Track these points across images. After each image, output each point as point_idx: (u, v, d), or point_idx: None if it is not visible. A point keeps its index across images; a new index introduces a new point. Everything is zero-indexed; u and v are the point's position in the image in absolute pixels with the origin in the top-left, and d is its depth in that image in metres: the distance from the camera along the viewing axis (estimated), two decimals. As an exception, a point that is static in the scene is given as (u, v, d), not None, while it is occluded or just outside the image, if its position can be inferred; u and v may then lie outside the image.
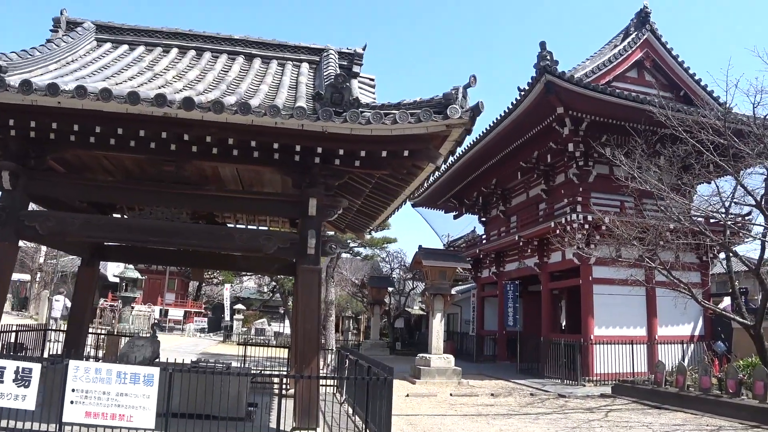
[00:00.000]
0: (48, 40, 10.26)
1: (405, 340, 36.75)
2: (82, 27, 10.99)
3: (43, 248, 41.95)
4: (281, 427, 7.85)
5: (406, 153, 7.90)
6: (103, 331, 17.11)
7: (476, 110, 7.42)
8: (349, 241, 25.08)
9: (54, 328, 14.10)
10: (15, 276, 51.84)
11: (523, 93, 18.84)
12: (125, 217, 9.47)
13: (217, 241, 9.05)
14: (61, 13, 11.02)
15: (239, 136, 7.69)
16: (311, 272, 8.82)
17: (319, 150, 7.96)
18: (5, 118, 7.80)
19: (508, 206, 28.01)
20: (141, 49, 11.00)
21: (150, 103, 7.11)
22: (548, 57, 17.52)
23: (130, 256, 13.16)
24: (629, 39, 22.38)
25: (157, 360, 10.19)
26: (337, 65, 10.30)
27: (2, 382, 7.06)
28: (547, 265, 22.72)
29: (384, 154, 7.94)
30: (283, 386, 9.36)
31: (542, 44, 17.89)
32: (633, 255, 15.72)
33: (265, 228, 13.41)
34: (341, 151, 7.95)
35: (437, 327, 19.16)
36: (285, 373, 12.76)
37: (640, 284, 16.66)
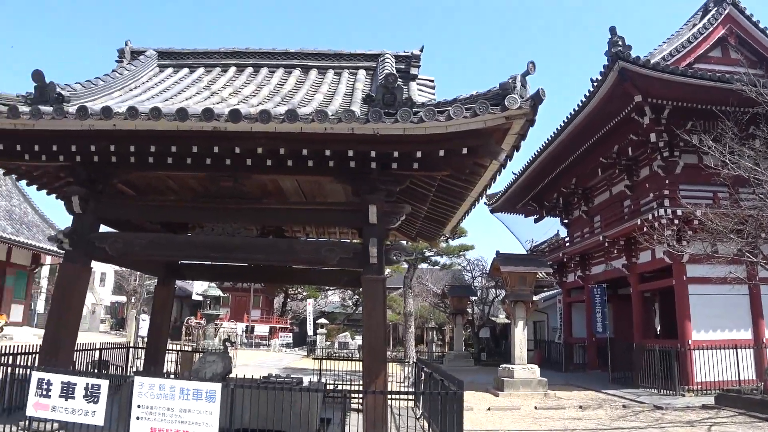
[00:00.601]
0: (113, 70, 10.64)
1: (491, 350, 35.85)
2: (144, 55, 11.35)
3: (137, 272, 44.30)
4: None
5: (465, 151, 7.46)
6: (187, 348, 17.54)
7: (537, 98, 6.90)
8: (424, 250, 24.69)
9: (138, 345, 14.53)
10: (114, 298, 55.27)
11: (595, 83, 17.85)
12: (189, 234, 9.53)
13: (278, 255, 8.93)
14: (126, 44, 11.45)
15: (290, 145, 7.53)
16: (375, 282, 8.52)
17: (374, 154, 7.68)
18: (68, 144, 8.06)
19: (591, 206, 26.74)
20: (200, 70, 11.21)
21: (198, 118, 7.09)
22: (620, 42, 16.49)
23: (203, 274, 13.42)
24: (709, 16, 20.83)
25: (229, 375, 10.19)
26: (393, 68, 10.02)
27: (73, 398, 7.18)
28: (635, 265, 21.40)
29: (442, 153, 7.53)
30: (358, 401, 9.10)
31: (612, 29, 16.89)
32: (731, 250, 14.43)
33: (328, 239, 13.29)
34: (397, 154, 7.63)
35: (520, 336, 18.38)
36: (356, 388, 12.55)
37: (741, 282, 15.28)
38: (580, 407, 15.21)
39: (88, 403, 7.15)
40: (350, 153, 7.61)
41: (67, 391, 7.21)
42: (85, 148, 8.14)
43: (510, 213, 33.28)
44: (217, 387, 7.06)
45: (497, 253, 19.83)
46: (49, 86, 7.99)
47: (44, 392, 7.27)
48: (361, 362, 15.60)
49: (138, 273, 44.26)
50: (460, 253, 31.16)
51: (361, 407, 10.36)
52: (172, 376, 12.48)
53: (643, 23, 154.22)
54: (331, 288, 45.19)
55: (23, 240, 30.43)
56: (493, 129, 7.32)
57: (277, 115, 7.06)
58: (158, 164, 8.45)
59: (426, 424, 10.39)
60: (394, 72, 9.03)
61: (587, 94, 18.44)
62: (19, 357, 9.13)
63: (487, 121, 7.10)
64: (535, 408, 15.11)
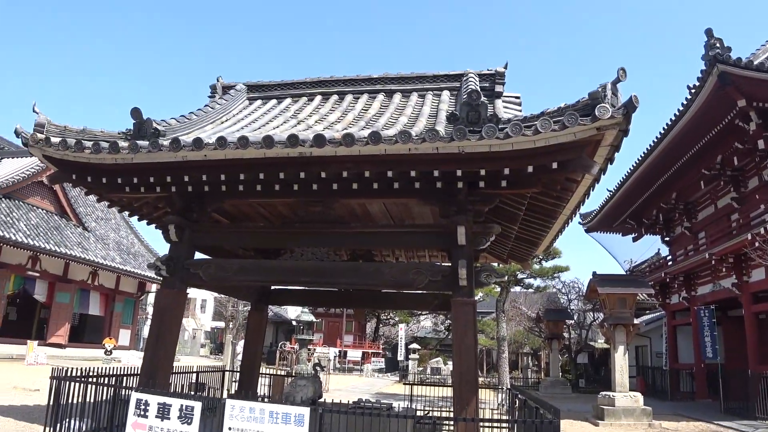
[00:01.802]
0: (206, 105, 11.15)
1: (590, 376, 34.18)
2: (234, 89, 11.84)
3: (234, 298, 46.01)
4: None
5: (555, 166, 7.13)
6: (281, 372, 17.82)
7: (630, 106, 6.50)
8: (517, 272, 24.00)
9: (234, 369, 14.90)
10: (214, 323, 57.55)
11: (693, 90, 16.75)
12: (278, 259, 9.71)
13: (365, 278, 8.88)
14: (217, 80, 12.00)
15: (375, 167, 7.50)
16: (465, 305, 8.28)
17: (460, 173, 7.49)
18: (164, 176, 8.45)
19: (694, 221, 25.07)
20: (287, 101, 11.54)
21: (284, 144, 7.22)
22: (717, 45, 15.39)
23: (294, 299, 13.57)
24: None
25: (319, 400, 10.19)
26: (477, 86, 9.85)
27: (169, 418, 7.39)
28: (747, 284, 19.72)
29: (530, 169, 7.24)
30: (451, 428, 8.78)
31: (708, 32, 15.83)
32: None
33: (416, 261, 13.14)
34: (483, 172, 7.41)
35: (620, 361, 17.33)
36: (446, 415, 12.22)
37: None
38: (690, 440, 14.08)
39: (182, 423, 7.33)
40: (436, 173, 7.47)
41: (163, 412, 7.43)
42: (180, 178, 8.50)
43: (606, 232, 31.77)
44: (305, 411, 7.04)
45: (594, 274, 18.90)
46: (146, 122, 8.47)
47: (142, 412, 7.54)
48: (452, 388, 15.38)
49: (235, 299, 46.07)
50: (554, 275, 30.00)
51: None
52: (265, 399, 12.69)
53: (734, 25, 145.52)
54: (423, 313, 44.86)
55: (130, 269, 32.39)
56: (584, 141, 6.97)
57: (360, 138, 7.07)
58: (248, 192, 8.69)
59: None
60: (478, 89, 8.85)
61: (684, 103, 17.36)
62: (123, 378, 9.54)
63: (577, 134, 6.76)
64: (640, 439, 14.13)
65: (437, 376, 33.52)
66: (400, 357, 39.49)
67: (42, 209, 29.22)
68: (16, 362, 22.62)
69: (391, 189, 8.10)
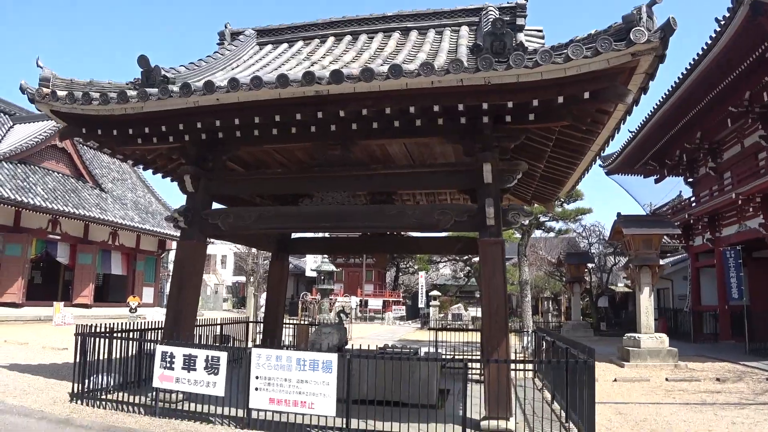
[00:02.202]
0: (215, 52, 10.73)
1: (610, 319, 34.15)
2: (243, 35, 11.39)
3: (253, 250, 46.24)
4: (469, 415, 7.17)
5: (586, 95, 6.72)
6: (304, 322, 17.87)
7: (668, 29, 6.04)
8: (539, 215, 23.55)
9: (257, 320, 14.92)
10: (235, 278, 58.24)
11: (722, 23, 15.95)
12: (298, 205, 9.44)
13: (389, 221, 8.59)
14: (225, 27, 11.54)
15: (396, 104, 7.13)
16: (493, 245, 8.00)
17: (486, 107, 7.09)
18: (176, 124, 8.17)
19: (719, 161, 24.38)
20: (299, 44, 11.06)
21: (299, 83, 6.88)
22: (748, -28, 14.53)
23: (314, 248, 13.49)
24: None
25: (345, 347, 10.12)
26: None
27: (195, 369, 7.32)
28: (776, 224, 19.24)
29: (561, 100, 6.82)
30: (479, 371, 8.68)
31: (740, -41, 14.95)
32: None
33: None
34: (511, 104, 6.99)
35: (645, 303, 17.10)
36: (476, 357, 12.13)
37: None
38: (717, 379, 13.87)
39: (209, 374, 7.26)
40: (460, 107, 7.08)
41: (189, 363, 7.36)
42: (192, 126, 8.21)
43: (627, 174, 31.07)
44: (333, 357, 6.91)
45: (618, 215, 18.48)
46: (154, 70, 8.12)
47: (168, 365, 7.47)
48: (476, 333, 15.32)
49: (255, 253, 46.27)
50: (577, 218, 29.44)
51: (479, 378, 9.98)
52: (289, 348, 12.70)
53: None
54: (442, 260, 44.93)
55: (149, 228, 32.56)
56: (618, 69, 6.53)
57: (380, 72, 6.70)
58: (264, 137, 8.40)
59: (549, 396, 9.81)
60: (501, 18, 8.35)
61: (712, 36, 16.53)
62: (147, 333, 9.49)
63: (611, 60, 6.34)
64: (666, 380, 13.96)
65: (458, 322, 33.64)
66: (421, 304, 39.73)
67: (58, 173, 29.22)
68: (45, 323, 22.97)
69: (413, 127, 7.76)
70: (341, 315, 10.61)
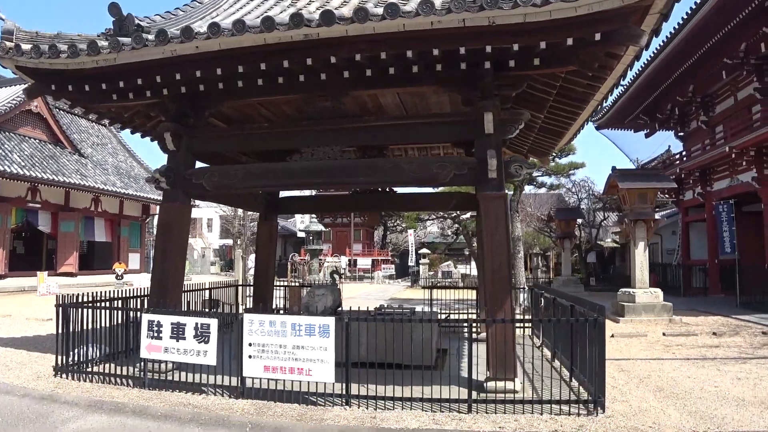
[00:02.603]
0: (193, 0, 9.99)
1: (598, 275, 34.23)
2: (224, -21, 10.58)
3: (240, 213, 45.66)
4: (474, 377, 6.87)
5: (597, 37, 6.22)
6: (294, 284, 17.52)
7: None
8: (532, 171, 23.06)
9: (247, 283, 14.52)
10: (221, 241, 57.70)
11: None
12: (287, 161, 8.89)
13: (384, 176, 8.09)
14: (204, -30, 10.72)
15: (392, 48, 6.57)
16: (495, 199, 7.58)
17: (489, 50, 6.55)
18: (153, 77, 7.60)
19: (711, 115, 24.03)
20: (284, -11, 10.33)
21: (287, 26, 6.31)
22: None
23: (304, 207, 13.03)
24: None
25: (339, 308, 9.77)
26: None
27: (184, 338, 6.92)
28: (768, 178, 19.02)
29: (570, 42, 6.31)
30: (474, 330, 8.41)
31: None
32: None
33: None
34: (516, 47, 6.44)
35: (640, 258, 16.91)
36: (473, 316, 11.89)
37: None
38: (714, 334, 13.76)
39: (199, 343, 6.87)
40: (461, 51, 6.53)
41: (178, 332, 6.96)
42: (171, 78, 7.61)
43: (617, 129, 30.71)
44: (330, 321, 6.54)
45: (613, 169, 18.11)
46: (127, 18, 7.46)
47: (155, 334, 7.07)
48: (468, 290, 15.09)
49: (242, 215, 45.65)
50: (570, 173, 28.97)
51: (477, 337, 9.71)
52: (281, 312, 12.35)
53: None
54: (430, 218, 44.59)
55: (132, 193, 31.81)
56: (632, 8, 6.04)
57: (375, 13, 6.13)
58: (249, 89, 7.84)
59: (549, 354, 9.57)
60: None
61: (709, -16, 15.98)
62: (132, 301, 9.04)
63: (626, -1, 5.83)
64: (664, 335, 13.83)
65: (449, 280, 33.62)
66: (411, 263, 39.58)
67: (35, 139, 28.28)
68: (29, 294, 22.46)
69: (409, 75, 7.24)
70: (335, 275, 10.21)
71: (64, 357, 7.92)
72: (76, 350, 8.05)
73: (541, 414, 6.50)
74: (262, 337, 6.63)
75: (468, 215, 41.38)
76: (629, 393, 7.69)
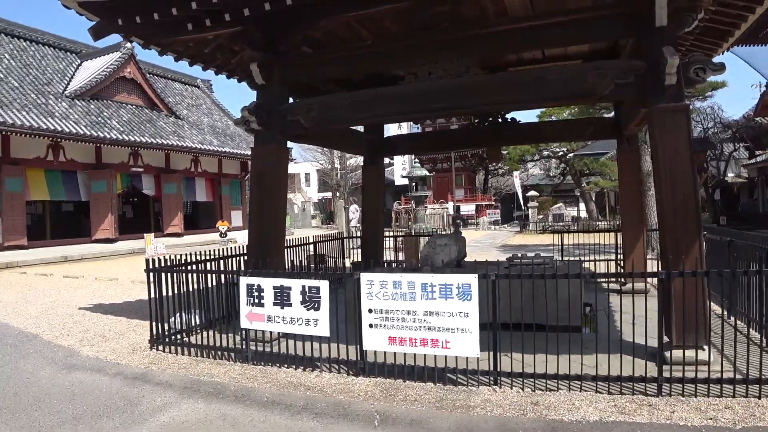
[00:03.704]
0: None
1: (723, 213, 30.60)
2: None
3: (337, 164, 44.91)
4: (643, 342, 5.21)
5: None
6: (401, 233, 16.27)
7: None
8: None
9: (352, 235, 13.37)
10: (320, 194, 57.64)
11: None
12: (400, 84, 7.28)
13: (524, 92, 6.31)
14: None
15: None
16: (675, 113, 5.71)
17: None
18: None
19: None
20: None
21: None
22: None
23: (412, 147, 11.42)
24: None
25: (464, 260, 8.31)
26: None
27: (290, 304, 5.68)
28: None
29: None
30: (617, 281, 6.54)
31: None
32: None
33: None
34: None
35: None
36: (620, 264, 10.05)
37: None
38: None
39: (307, 310, 5.62)
40: None
41: (282, 297, 5.73)
42: (254, -2, 6.20)
43: (750, 45, 26.60)
44: (472, 279, 5.05)
45: (768, 83, 15.22)
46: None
47: (256, 300, 5.88)
48: (594, 234, 13.10)
49: (339, 167, 44.81)
50: (708, 94, 25.29)
51: (622, 289, 7.96)
52: (394, 266, 11.09)
53: None
54: (532, 159, 42.07)
55: (229, 150, 31.63)
56: None
57: None
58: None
59: (719, 309, 7.55)
60: None
61: None
62: (230, 261, 7.99)
63: None
64: None
65: (561, 223, 31.34)
66: (519, 206, 37.34)
67: (131, 105, 28.39)
68: (138, 255, 22.67)
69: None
70: (458, 221, 8.69)
71: (160, 326, 7.00)
72: (173, 318, 7.12)
73: (759, 398, 4.78)
74: (384, 302, 5.27)
75: (572, 154, 38.38)
76: None
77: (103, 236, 25.03)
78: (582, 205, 38.15)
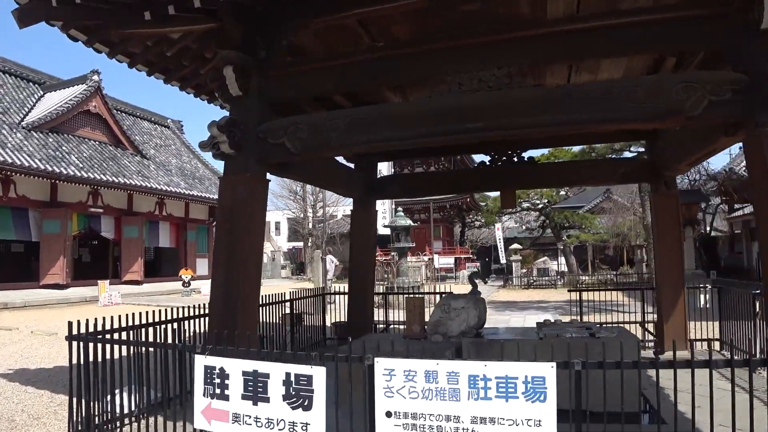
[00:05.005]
0: None
1: (708, 267, 29.65)
2: None
3: (309, 213, 43.09)
4: None
5: None
6: (394, 289, 14.52)
7: None
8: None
9: (330, 291, 11.60)
10: (291, 243, 55.45)
11: None
12: (418, 100, 5.72)
13: (585, 110, 4.69)
14: None
15: None
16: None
17: None
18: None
19: None
20: None
21: None
22: None
23: (413, 188, 9.59)
24: None
25: (483, 327, 6.64)
26: None
27: (267, 399, 3.84)
28: None
29: None
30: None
31: None
32: None
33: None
34: None
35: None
36: (647, 329, 8.47)
37: None
38: None
39: (293, 409, 3.79)
40: None
41: (255, 389, 3.90)
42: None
43: None
44: (547, 371, 3.36)
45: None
46: None
47: (218, 390, 4.04)
48: (602, 291, 11.54)
49: (310, 216, 42.86)
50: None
51: (660, 359, 6.32)
52: (388, 330, 9.33)
53: None
54: (506, 212, 41.00)
55: (197, 194, 29.86)
56: None
57: None
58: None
59: None
60: None
61: None
62: (188, 321, 6.21)
63: None
64: None
65: (545, 278, 29.97)
66: (501, 259, 35.88)
67: (94, 140, 26.60)
68: (91, 304, 20.47)
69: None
70: (474, 279, 7.07)
71: (83, 416, 5.11)
72: (100, 403, 5.25)
73: None
74: (411, 403, 3.51)
75: (551, 207, 37.48)
76: None
77: (53, 281, 22.76)
78: (562, 259, 37.00)
